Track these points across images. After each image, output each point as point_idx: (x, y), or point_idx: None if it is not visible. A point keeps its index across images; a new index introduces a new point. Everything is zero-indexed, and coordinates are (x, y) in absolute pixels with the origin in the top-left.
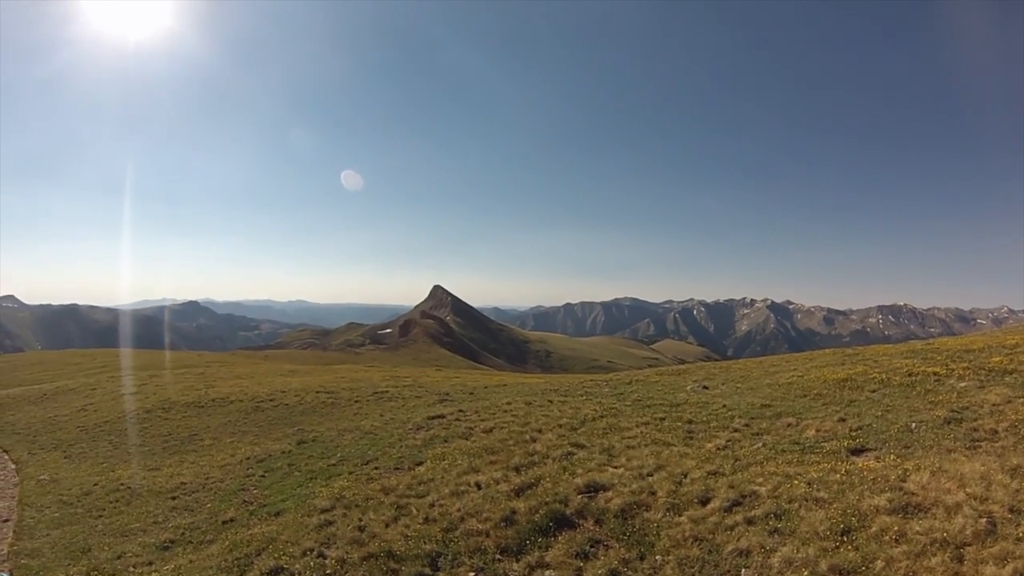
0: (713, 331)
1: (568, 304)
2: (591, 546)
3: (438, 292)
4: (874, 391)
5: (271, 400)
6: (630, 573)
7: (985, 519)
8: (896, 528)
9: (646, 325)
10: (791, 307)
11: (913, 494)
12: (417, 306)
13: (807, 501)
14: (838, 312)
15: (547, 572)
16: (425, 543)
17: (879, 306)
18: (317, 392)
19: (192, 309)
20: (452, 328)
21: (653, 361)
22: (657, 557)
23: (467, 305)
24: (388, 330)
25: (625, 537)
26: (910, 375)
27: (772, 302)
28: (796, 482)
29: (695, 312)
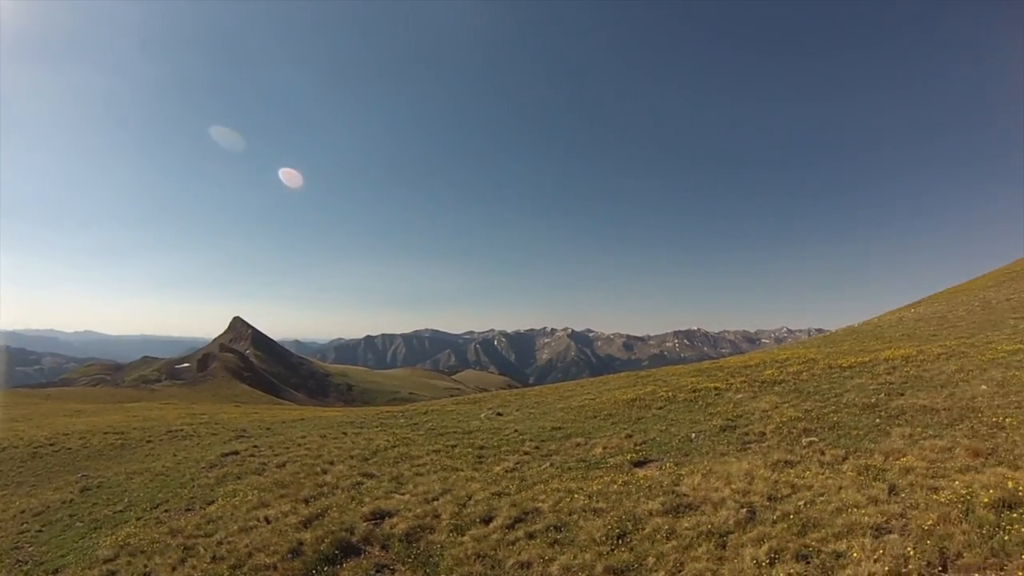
0: (515, 360)
1: (369, 336)
2: (376, 571)
3: (237, 324)
4: (661, 408)
5: (52, 444)
6: None
7: (746, 509)
8: (667, 527)
9: (447, 356)
10: (591, 335)
11: (685, 495)
12: (216, 339)
13: (586, 512)
14: (637, 338)
15: None
16: None
17: (675, 331)
18: (105, 433)
19: None
20: (252, 362)
21: (455, 391)
22: None
23: (268, 338)
24: (186, 364)
25: (410, 560)
26: (694, 391)
27: (573, 331)
28: (577, 496)
29: (496, 342)
